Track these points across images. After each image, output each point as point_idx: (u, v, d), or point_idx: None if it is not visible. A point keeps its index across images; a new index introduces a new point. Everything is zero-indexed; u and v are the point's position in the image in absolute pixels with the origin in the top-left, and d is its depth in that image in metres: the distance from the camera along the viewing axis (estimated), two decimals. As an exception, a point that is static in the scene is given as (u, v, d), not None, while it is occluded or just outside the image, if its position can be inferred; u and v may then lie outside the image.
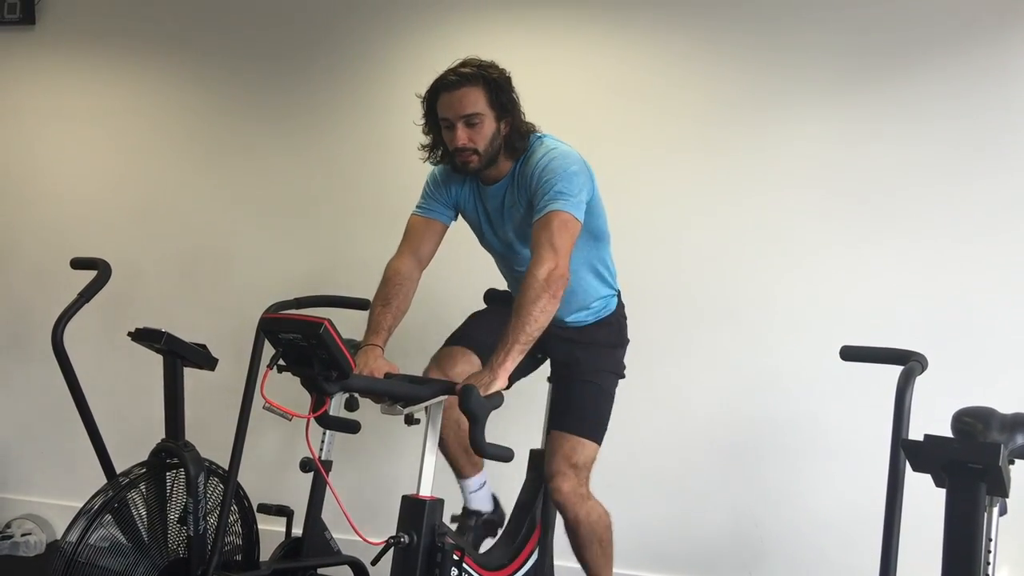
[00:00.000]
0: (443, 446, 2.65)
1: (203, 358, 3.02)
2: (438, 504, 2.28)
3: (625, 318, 2.82)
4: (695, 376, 3.46)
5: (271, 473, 3.72)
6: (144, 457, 2.92)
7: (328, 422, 2.44)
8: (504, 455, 2.31)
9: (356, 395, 2.24)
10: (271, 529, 3.11)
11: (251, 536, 3.09)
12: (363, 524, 2.21)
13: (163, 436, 2.95)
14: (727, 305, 3.43)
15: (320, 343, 1.98)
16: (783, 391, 3.36)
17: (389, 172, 3.76)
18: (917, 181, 3.28)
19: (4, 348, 4.21)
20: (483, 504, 2.82)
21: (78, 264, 3.30)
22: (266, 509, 3.00)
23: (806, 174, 3.39)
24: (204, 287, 3.99)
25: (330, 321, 1.99)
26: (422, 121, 2.57)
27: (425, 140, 2.60)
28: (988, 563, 1.94)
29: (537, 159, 2.48)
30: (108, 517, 2.72)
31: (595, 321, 2.73)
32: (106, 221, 4.09)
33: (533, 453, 2.86)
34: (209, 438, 3.02)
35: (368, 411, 2.36)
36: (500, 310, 2.58)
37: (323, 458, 3.00)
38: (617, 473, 3.41)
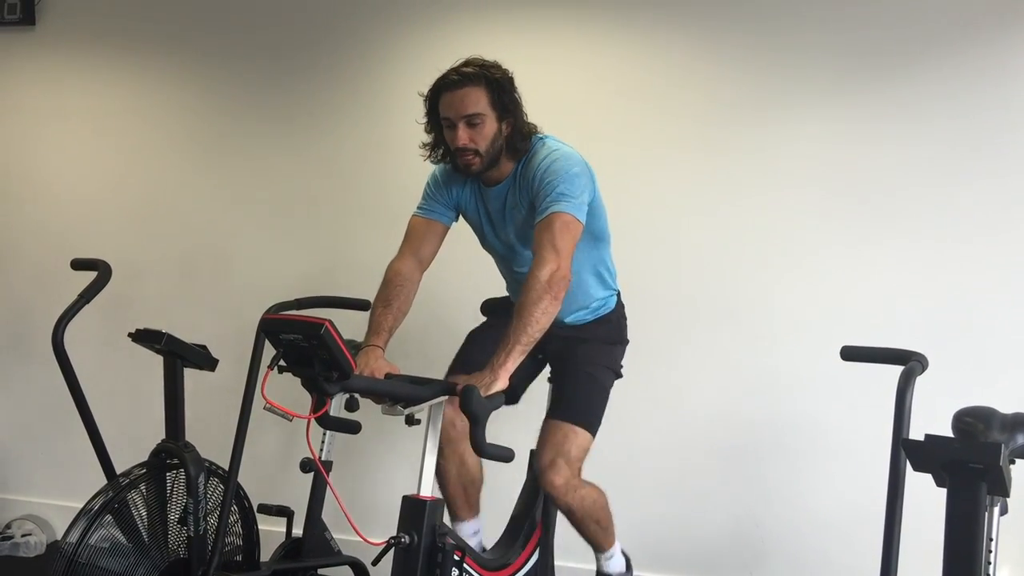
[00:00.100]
0: (441, 479, 2.63)
1: (203, 359, 3.02)
2: (439, 504, 2.28)
3: (625, 318, 2.82)
4: (695, 376, 3.46)
5: (271, 473, 3.72)
6: (144, 458, 2.92)
7: (328, 423, 2.44)
8: (504, 455, 2.31)
9: (356, 396, 2.24)
10: (271, 529, 3.11)
11: (251, 536, 3.09)
12: (363, 524, 2.21)
13: (163, 437, 2.95)
14: (727, 305, 3.43)
15: (321, 344, 1.98)
16: (783, 391, 3.36)
17: (389, 172, 3.76)
18: (917, 181, 3.28)
19: (4, 349, 4.21)
20: None
21: (78, 265, 3.30)
22: (266, 509, 3.00)
23: (806, 174, 3.39)
24: (204, 288, 3.99)
25: (331, 322, 2.00)
26: (424, 120, 2.56)
27: (426, 139, 2.60)
28: (989, 563, 1.94)
29: (539, 160, 2.47)
30: (108, 518, 2.72)
31: (594, 319, 2.74)
32: (106, 222, 4.09)
33: (533, 453, 2.86)
34: (209, 439, 3.03)
35: (368, 412, 2.36)
36: (498, 324, 2.55)
37: (323, 458, 3.00)
38: (617, 473, 3.40)
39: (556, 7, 3.67)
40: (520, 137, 2.51)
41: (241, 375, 2.90)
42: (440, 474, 2.64)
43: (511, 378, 2.27)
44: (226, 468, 2.91)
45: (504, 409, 2.24)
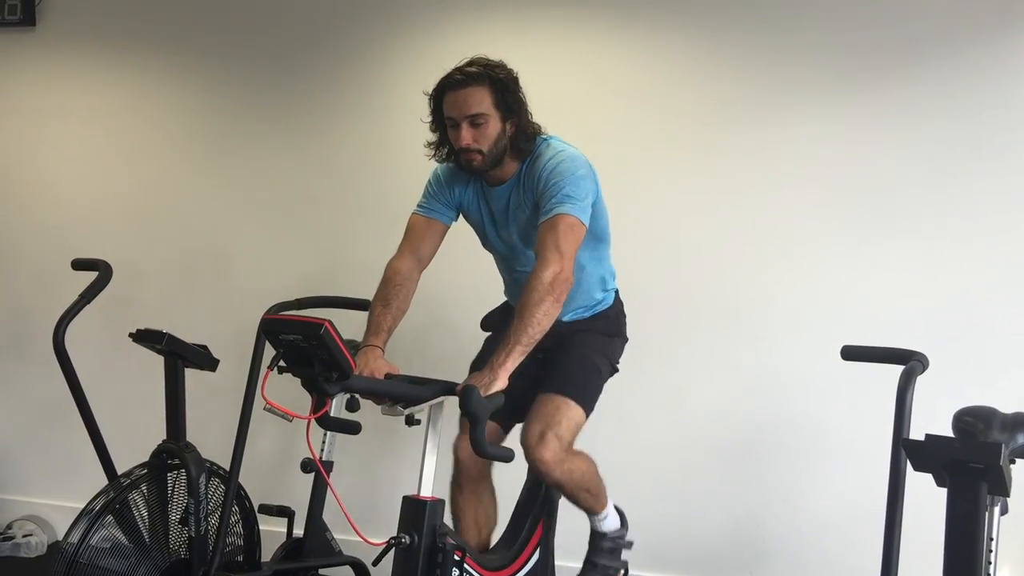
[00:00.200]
0: (456, 516, 2.65)
1: (204, 359, 3.02)
2: (439, 504, 2.28)
3: (624, 315, 2.81)
4: (695, 376, 3.46)
5: (272, 474, 3.72)
6: (145, 458, 2.92)
7: (329, 423, 2.44)
8: (505, 455, 2.32)
9: (357, 396, 2.24)
10: (272, 530, 3.11)
11: (252, 537, 3.09)
12: (364, 525, 2.21)
13: (164, 437, 2.95)
14: (727, 305, 3.43)
15: (321, 344, 1.98)
16: (783, 391, 3.36)
17: (389, 172, 3.76)
18: (917, 181, 3.28)
19: (5, 349, 4.21)
20: None
21: (79, 265, 3.31)
22: (267, 510, 3.00)
23: (806, 174, 3.39)
24: (205, 288, 3.99)
25: (331, 322, 2.00)
26: (429, 118, 2.55)
27: (431, 138, 2.59)
28: (989, 562, 1.94)
29: (544, 161, 2.47)
30: (109, 518, 2.72)
31: (591, 315, 2.73)
32: (107, 222, 4.09)
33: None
34: (210, 439, 3.03)
35: (369, 412, 2.36)
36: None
37: (324, 459, 3.00)
38: (618, 473, 3.39)
39: (556, 7, 3.67)
40: (524, 137, 2.50)
41: (242, 375, 2.91)
42: (455, 511, 2.66)
43: (516, 391, 2.26)
44: (227, 468, 2.91)
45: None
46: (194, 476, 2.80)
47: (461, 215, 2.71)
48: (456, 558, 2.26)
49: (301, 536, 2.99)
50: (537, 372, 2.60)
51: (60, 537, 3.58)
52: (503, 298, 2.90)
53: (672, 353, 3.46)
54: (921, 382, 2.25)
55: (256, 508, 3.06)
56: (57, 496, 4.02)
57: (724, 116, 3.46)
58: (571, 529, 2.81)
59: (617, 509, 2.79)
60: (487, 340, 2.81)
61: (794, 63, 3.40)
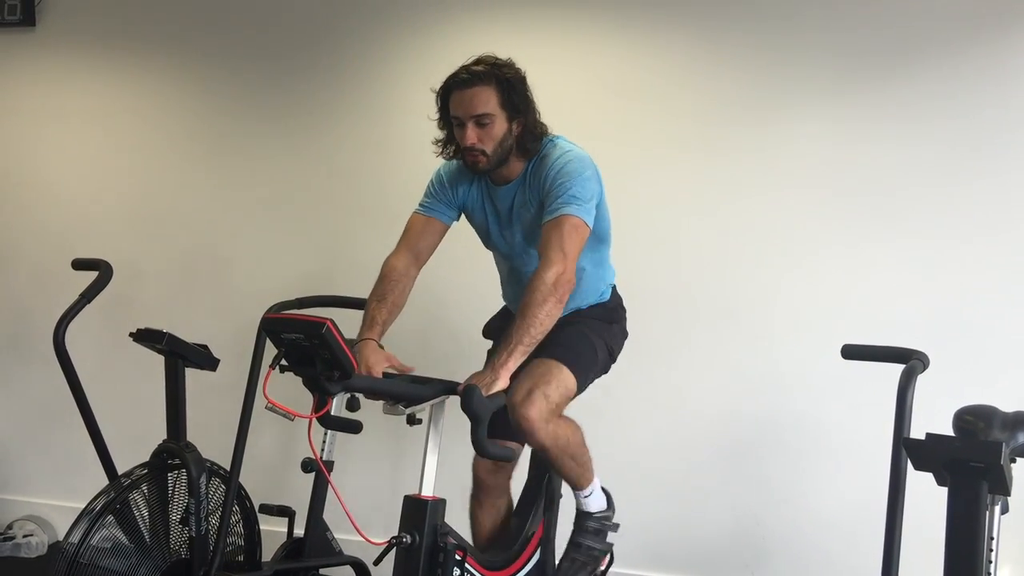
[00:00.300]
0: (475, 527, 2.67)
1: (205, 359, 3.02)
2: (440, 504, 2.29)
3: (623, 308, 2.80)
4: (696, 376, 3.46)
5: (273, 474, 3.72)
6: (146, 458, 2.92)
7: (330, 422, 2.45)
8: (505, 455, 2.32)
9: (358, 395, 2.24)
10: (273, 530, 3.11)
11: (253, 537, 3.09)
12: (365, 524, 2.22)
13: (165, 437, 2.95)
14: (727, 305, 3.43)
15: (322, 343, 1.98)
16: (784, 390, 3.36)
17: (389, 172, 3.76)
18: (917, 180, 3.28)
19: (5, 349, 4.21)
20: None
21: (79, 265, 3.31)
22: (268, 509, 3.00)
23: (806, 174, 3.39)
24: (205, 287, 3.99)
25: (332, 321, 2.00)
26: (436, 116, 2.54)
27: (439, 135, 2.58)
28: (990, 561, 1.94)
29: (552, 161, 2.47)
30: (110, 518, 2.72)
31: (588, 307, 2.71)
32: (107, 222, 4.09)
33: (535, 452, 2.86)
34: (211, 439, 3.02)
35: (370, 411, 2.36)
36: None
37: (325, 458, 3.00)
38: (618, 473, 3.39)
39: (556, 7, 3.67)
40: (532, 137, 2.49)
41: (242, 375, 2.90)
42: (473, 522, 2.67)
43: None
44: (227, 468, 2.91)
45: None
46: (195, 476, 2.80)
47: (464, 216, 2.70)
48: (457, 558, 2.27)
49: (302, 536, 2.98)
50: None
51: (61, 537, 3.59)
52: (503, 300, 2.90)
53: (672, 353, 3.47)
54: (921, 381, 2.25)
55: (257, 508, 3.06)
56: (57, 496, 4.02)
57: (724, 116, 3.46)
58: (572, 529, 2.80)
59: (604, 490, 2.71)
60: (491, 350, 2.76)
61: (794, 63, 3.40)
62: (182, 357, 2.96)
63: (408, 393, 2.23)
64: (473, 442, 2.19)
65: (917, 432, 2.06)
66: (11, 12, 4.17)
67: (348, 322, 2.41)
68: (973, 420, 2.07)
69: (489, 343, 2.82)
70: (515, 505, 2.79)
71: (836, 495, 3.28)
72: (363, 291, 2.80)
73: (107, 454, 3.16)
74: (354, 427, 2.30)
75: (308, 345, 2.01)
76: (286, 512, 2.98)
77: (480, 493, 2.66)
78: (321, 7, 3.90)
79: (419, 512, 2.24)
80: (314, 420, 2.24)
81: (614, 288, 2.81)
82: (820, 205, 3.37)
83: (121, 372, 3.90)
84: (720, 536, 3.41)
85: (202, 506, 2.82)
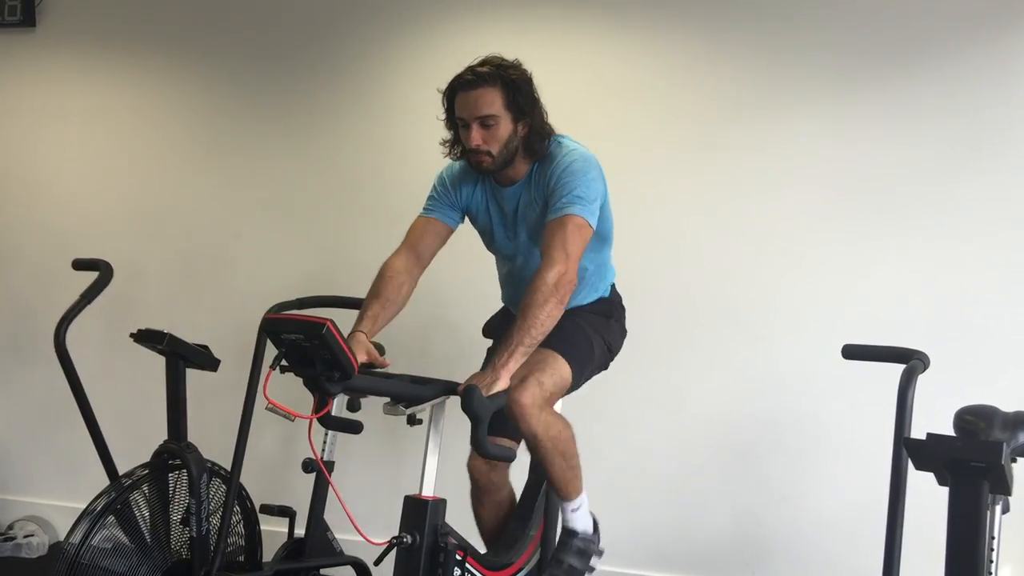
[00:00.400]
0: (480, 525, 2.67)
1: (205, 359, 3.02)
2: (441, 504, 2.29)
3: (622, 306, 2.79)
4: (696, 376, 3.45)
5: (273, 474, 3.72)
6: (146, 458, 2.92)
7: (330, 422, 2.45)
8: (506, 455, 2.32)
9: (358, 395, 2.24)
10: (274, 530, 3.11)
11: (254, 537, 3.09)
12: (366, 524, 2.22)
13: (165, 437, 2.95)
14: (727, 305, 3.43)
15: (323, 344, 1.98)
16: (784, 390, 3.36)
17: (389, 172, 3.76)
18: (917, 180, 3.28)
19: (6, 349, 4.21)
20: None
21: (80, 265, 3.31)
22: (268, 510, 3.00)
23: (806, 173, 3.39)
24: (206, 288, 3.99)
25: (332, 321, 2.00)
26: (443, 117, 2.54)
27: (442, 137, 2.58)
28: (991, 561, 1.94)
29: (557, 160, 2.46)
30: (111, 518, 2.72)
31: (587, 303, 2.69)
32: (107, 222, 4.09)
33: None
34: (211, 439, 3.02)
35: (370, 412, 2.36)
36: None
37: (325, 459, 3.00)
38: (618, 473, 3.42)
39: (556, 7, 3.67)
40: (538, 138, 2.48)
41: (243, 375, 2.90)
42: (478, 520, 2.68)
43: None
44: (228, 468, 2.91)
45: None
46: (195, 476, 2.80)
47: (467, 218, 2.69)
48: (458, 558, 2.27)
49: (302, 536, 2.98)
50: None
51: (61, 537, 3.59)
52: (502, 300, 2.90)
53: (673, 353, 3.46)
54: (922, 381, 2.25)
55: (257, 508, 3.06)
56: (58, 496, 4.02)
57: (724, 115, 3.46)
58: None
59: (592, 515, 2.66)
60: (490, 349, 2.78)
61: (794, 62, 3.40)
62: (183, 357, 2.96)
63: (409, 393, 2.22)
64: (473, 442, 2.19)
65: (918, 432, 2.06)
66: (11, 12, 4.18)
67: (348, 323, 2.42)
68: (974, 420, 2.07)
69: (489, 342, 2.82)
70: (516, 505, 2.79)
71: (837, 495, 3.28)
72: (363, 291, 2.80)
73: (108, 454, 3.16)
74: (354, 427, 2.31)
75: (308, 346, 2.01)
76: (287, 512, 2.99)
77: (479, 493, 2.66)
78: (321, 7, 3.90)
79: (420, 512, 2.24)
80: (314, 420, 2.24)
81: (613, 286, 2.81)
82: (820, 204, 3.37)
83: (122, 372, 3.91)
84: (721, 536, 3.41)
85: (203, 506, 2.82)
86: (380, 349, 3.05)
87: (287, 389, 2.26)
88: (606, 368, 2.69)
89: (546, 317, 2.26)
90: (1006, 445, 1.86)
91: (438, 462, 2.33)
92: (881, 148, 3.32)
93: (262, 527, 3.11)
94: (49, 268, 4.07)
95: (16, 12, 4.17)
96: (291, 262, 3.89)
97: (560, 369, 2.41)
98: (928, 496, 2.12)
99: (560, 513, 2.58)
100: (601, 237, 2.58)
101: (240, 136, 4.00)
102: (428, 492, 2.27)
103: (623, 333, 2.77)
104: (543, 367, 2.37)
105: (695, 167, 3.49)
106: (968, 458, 1.87)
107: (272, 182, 3.95)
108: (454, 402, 2.25)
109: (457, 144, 2.56)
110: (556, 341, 2.43)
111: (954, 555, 1.90)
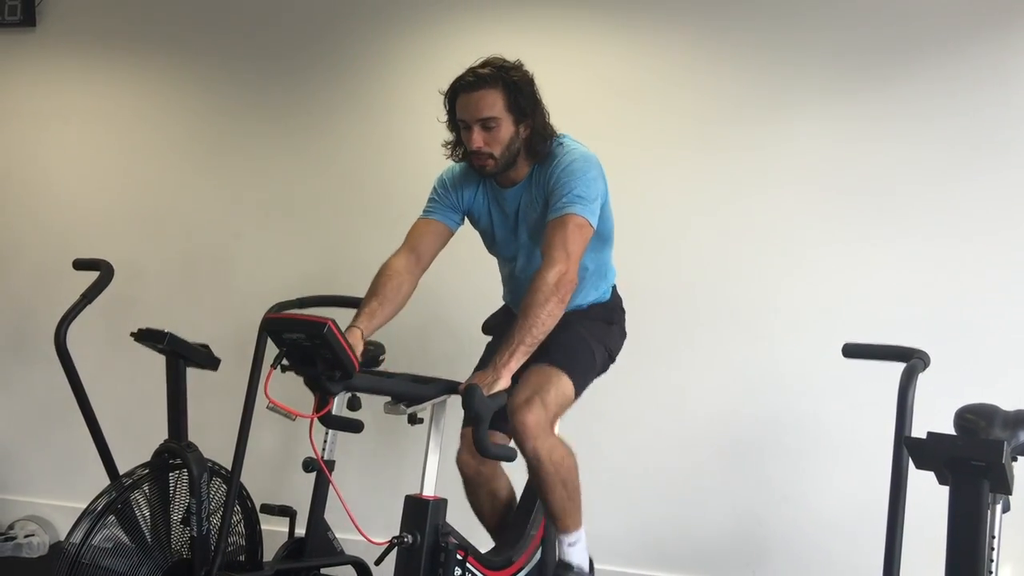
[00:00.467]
0: (478, 514, 2.67)
1: (206, 358, 3.02)
2: (441, 504, 2.29)
3: (622, 309, 2.80)
4: (696, 376, 3.45)
5: (274, 473, 3.72)
6: (147, 458, 2.92)
7: (331, 422, 2.44)
8: (507, 455, 2.32)
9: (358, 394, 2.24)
10: (274, 529, 3.11)
11: (254, 536, 3.09)
12: (366, 524, 2.22)
13: (166, 437, 2.96)
14: (728, 305, 3.43)
15: (324, 343, 1.99)
16: (785, 390, 3.36)
17: (389, 171, 3.76)
18: (917, 179, 3.28)
19: (6, 349, 4.21)
20: None
21: (80, 265, 3.31)
22: (269, 509, 3.00)
23: (806, 173, 3.39)
24: (206, 287, 3.99)
25: (333, 321, 2.00)
26: (445, 119, 2.53)
27: (444, 139, 2.58)
28: (991, 560, 1.94)
29: (557, 159, 2.46)
30: (111, 518, 2.72)
31: (588, 306, 2.70)
32: (108, 222, 4.09)
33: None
34: (212, 438, 3.02)
35: (371, 411, 2.36)
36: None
37: (326, 458, 3.00)
38: (619, 473, 3.42)
39: (556, 7, 3.67)
40: (540, 140, 2.48)
41: (243, 374, 2.90)
42: (479, 514, 2.68)
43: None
44: (229, 468, 2.91)
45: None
46: (196, 476, 2.80)
47: (468, 220, 2.69)
48: (458, 557, 2.27)
49: (303, 536, 2.99)
50: None
51: (62, 537, 3.59)
52: (503, 301, 2.90)
53: (673, 353, 3.46)
54: (922, 380, 2.25)
55: (258, 508, 3.06)
56: (59, 496, 4.02)
57: (724, 115, 3.46)
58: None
59: (588, 554, 2.61)
60: (489, 344, 2.79)
61: (794, 62, 3.40)
62: (183, 357, 2.96)
63: (409, 392, 2.22)
64: (474, 442, 2.19)
65: (918, 431, 2.06)
66: (11, 12, 4.17)
67: (348, 322, 2.42)
68: (974, 419, 2.07)
69: (488, 339, 2.82)
70: (517, 506, 2.79)
71: (837, 494, 3.28)
72: (364, 291, 2.81)
73: (108, 454, 3.17)
74: (355, 427, 2.30)
75: (309, 345, 2.01)
76: (287, 512, 2.99)
77: (471, 486, 2.64)
78: (321, 7, 3.90)
79: (420, 512, 2.24)
80: (315, 420, 2.23)
81: (614, 288, 2.81)
82: (820, 204, 3.37)
83: (122, 372, 3.91)
84: (721, 536, 3.41)
85: (203, 506, 2.82)
86: (380, 348, 3.07)
87: (288, 388, 2.26)
88: (606, 371, 2.70)
89: (547, 316, 2.26)
90: (1007, 444, 1.86)
91: (439, 462, 2.33)
92: (881, 148, 3.32)
93: (263, 527, 3.11)
94: (50, 268, 4.07)
95: (16, 12, 4.17)
96: (291, 262, 3.89)
97: (563, 387, 2.43)
98: (929, 495, 2.12)
99: (556, 545, 2.54)
100: (602, 237, 2.58)
101: (240, 136, 4.00)
102: (429, 492, 2.27)
103: (623, 336, 2.78)
104: (548, 387, 2.38)
105: (695, 166, 3.49)
106: (969, 457, 1.87)
107: (272, 182, 3.95)
108: (455, 401, 2.25)
109: (459, 146, 2.56)
110: (558, 355, 2.44)
111: (954, 554, 1.90)
